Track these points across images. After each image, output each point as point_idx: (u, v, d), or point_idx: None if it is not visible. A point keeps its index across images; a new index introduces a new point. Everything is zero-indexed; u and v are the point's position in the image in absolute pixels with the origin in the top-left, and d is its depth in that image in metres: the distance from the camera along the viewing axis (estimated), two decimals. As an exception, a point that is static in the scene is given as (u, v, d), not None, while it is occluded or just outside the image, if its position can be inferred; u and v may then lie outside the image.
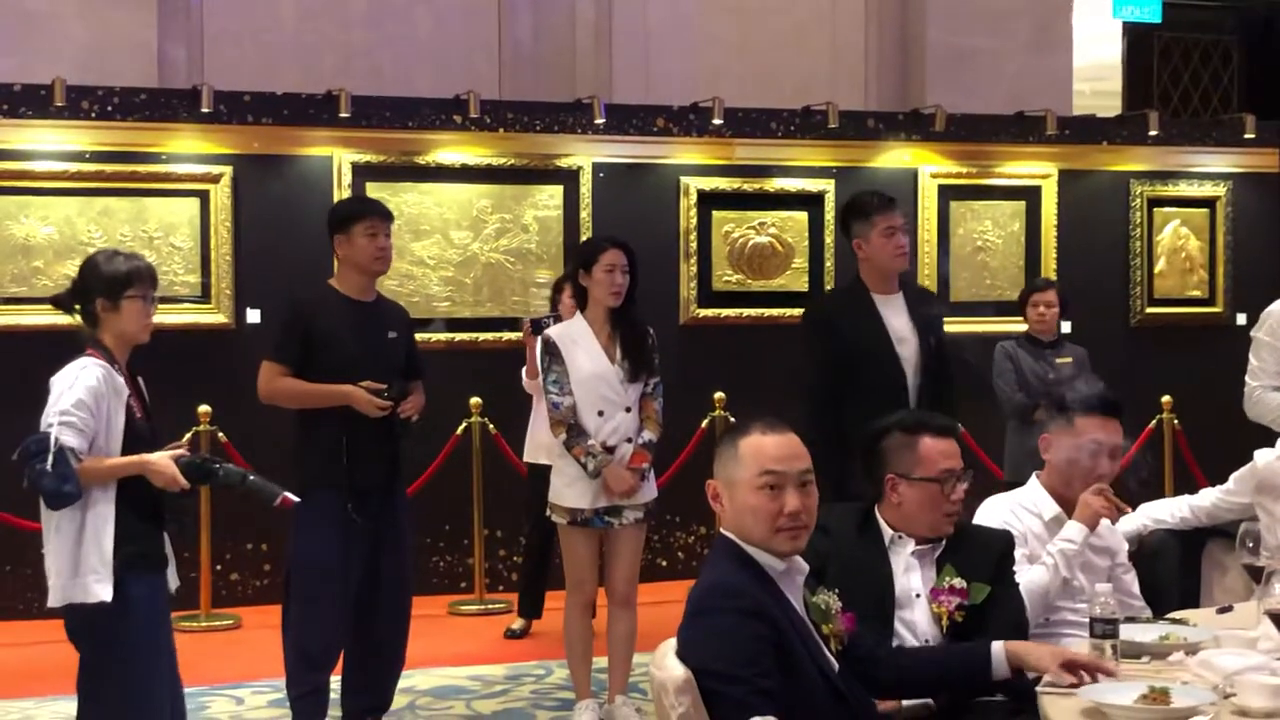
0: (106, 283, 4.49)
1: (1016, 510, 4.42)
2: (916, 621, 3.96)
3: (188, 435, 7.77)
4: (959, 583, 3.92)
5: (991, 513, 4.44)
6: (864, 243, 5.84)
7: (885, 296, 5.83)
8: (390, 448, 5.85)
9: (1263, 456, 4.93)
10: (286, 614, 5.84)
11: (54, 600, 4.39)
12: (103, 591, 4.31)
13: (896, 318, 5.79)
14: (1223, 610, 4.21)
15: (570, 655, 6.20)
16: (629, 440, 6.01)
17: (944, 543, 4.04)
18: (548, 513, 6.21)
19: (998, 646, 3.52)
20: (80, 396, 4.31)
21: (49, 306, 4.71)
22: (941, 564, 4.00)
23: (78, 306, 4.56)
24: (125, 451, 4.41)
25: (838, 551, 3.99)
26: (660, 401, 6.15)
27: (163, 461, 4.40)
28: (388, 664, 6.05)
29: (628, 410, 6.03)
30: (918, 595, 3.97)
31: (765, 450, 3.39)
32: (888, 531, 4.07)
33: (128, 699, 4.46)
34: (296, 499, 4.73)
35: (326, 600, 5.73)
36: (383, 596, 5.89)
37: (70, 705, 4.78)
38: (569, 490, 6.02)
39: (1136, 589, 4.47)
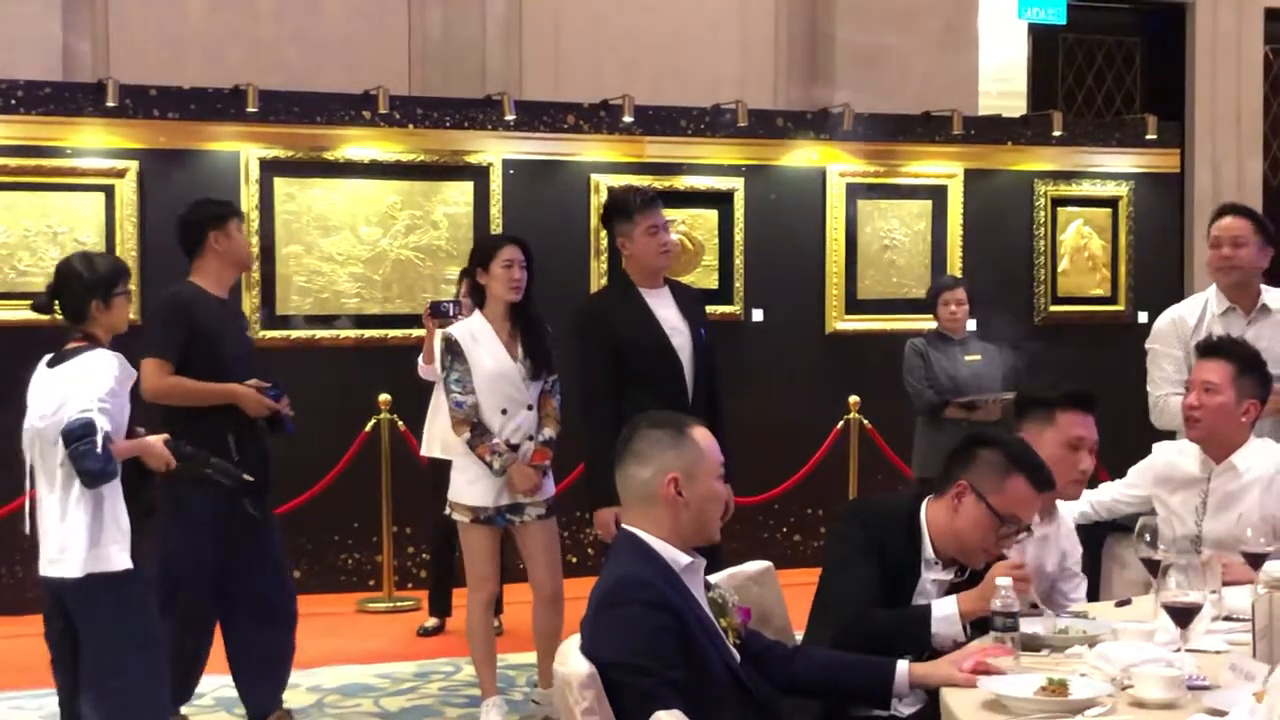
0: (100, 283, 4.93)
1: None
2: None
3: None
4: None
5: None
6: (628, 241, 5.93)
7: (652, 291, 5.93)
8: (265, 446, 5.94)
9: (1161, 451, 5.02)
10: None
11: (72, 570, 4.70)
12: (125, 560, 4.73)
13: (667, 310, 5.90)
14: (1121, 603, 4.28)
15: (474, 653, 6.21)
16: (530, 438, 6.05)
17: (967, 575, 3.97)
18: (446, 510, 6.20)
19: (902, 665, 3.54)
20: (111, 385, 4.74)
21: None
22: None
23: (57, 304, 4.99)
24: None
25: (885, 552, 3.95)
26: (559, 398, 6.20)
27: (159, 445, 4.91)
28: (272, 667, 6.06)
29: (529, 408, 6.07)
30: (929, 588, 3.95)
31: (715, 444, 3.55)
32: (928, 546, 3.99)
33: (149, 654, 4.89)
34: (252, 479, 5.21)
35: (199, 599, 5.78)
36: (262, 597, 5.94)
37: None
38: (471, 489, 6.04)
39: (1077, 595, 4.47)
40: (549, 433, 6.11)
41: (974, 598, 3.73)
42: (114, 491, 4.74)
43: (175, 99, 8.56)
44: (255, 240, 8.61)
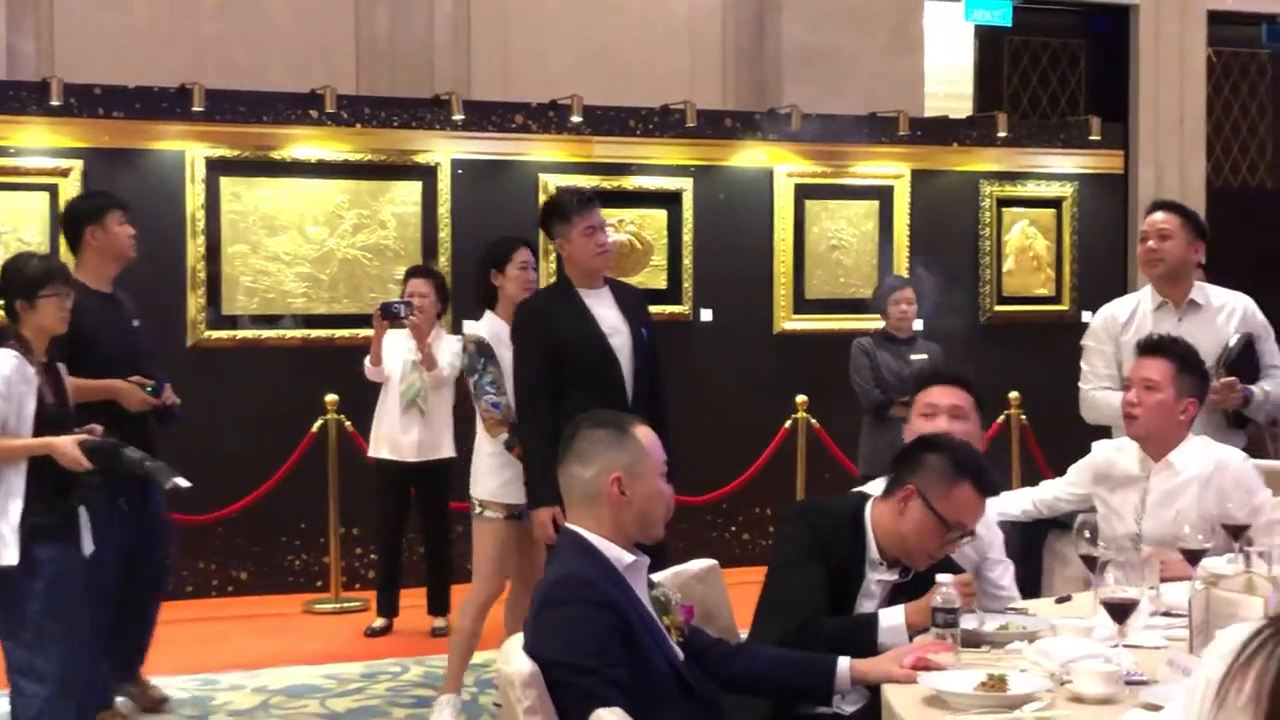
0: (23, 284, 5.04)
1: None
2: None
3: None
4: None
5: None
6: (566, 242, 5.94)
7: (592, 291, 5.93)
8: (152, 442, 5.98)
9: (1101, 449, 5.06)
10: None
11: None
12: (9, 556, 4.85)
13: (607, 310, 5.91)
14: (1061, 600, 4.32)
15: (459, 648, 6.20)
16: None
17: (911, 577, 3.98)
18: (478, 510, 6.19)
19: (843, 662, 3.55)
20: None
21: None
22: (897, 599, 3.95)
23: (1, 304, 5.17)
24: (37, 433, 4.93)
25: (830, 554, 3.96)
26: None
27: (65, 444, 4.90)
28: (123, 662, 6.28)
29: None
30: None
31: (658, 442, 3.55)
32: (873, 546, 4.00)
33: (45, 648, 4.96)
34: (189, 484, 5.17)
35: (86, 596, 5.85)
36: (135, 593, 6.12)
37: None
38: (508, 488, 6.06)
39: (1006, 580, 4.52)
40: None
41: (922, 610, 3.73)
42: (8, 490, 4.88)
43: (120, 98, 8.52)
44: (201, 240, 8.60)
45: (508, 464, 6.06)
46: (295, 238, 8.83)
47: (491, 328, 6.19)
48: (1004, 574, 4.49)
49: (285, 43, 9.93)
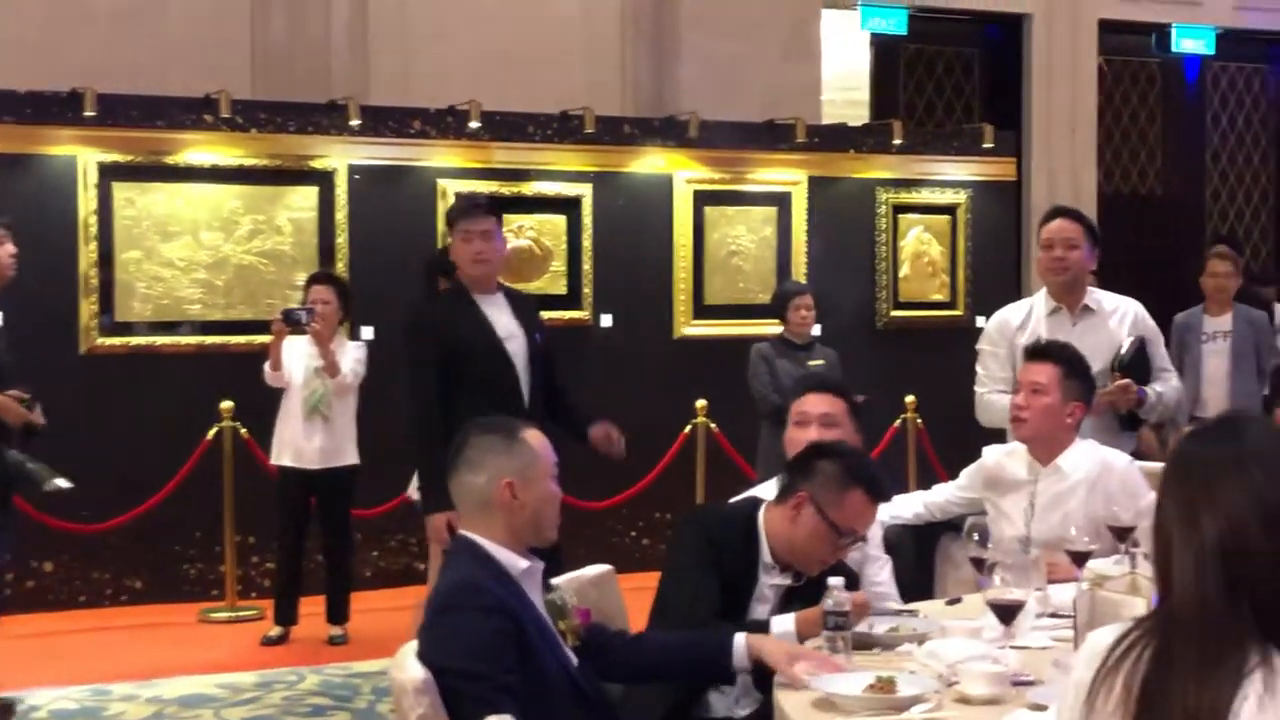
0: None
1: None
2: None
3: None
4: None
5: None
6: (453, 246, 6.02)
7: (486, 296, 5.95)
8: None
9: (990, 454, 5.13)
10: None
11: None
12: None
13: (500, 316, 5.93)
14: (952, 602, 4.37)
15: None
16: None
17: (804, 581, 4.00)
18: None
19: (740, 638, 3.58)
20: None
21: None
22: (791, 603, 3.98)
23: None
24: None
25: (723, 559, 3.97)
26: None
27: None
28: None
29: None
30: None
31: (548, 445, 3.57)
32: (766, 551, 4.02)
33: None
34: (70, 484, 5.26)
35: None
36: None
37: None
38: None
39: (883, 576, 4.58)
40: None
41: (812, 621, 3.75)
42: None
43: (10, 102, 8.40)
44: (94, 246, 8.49)
45: None
46: (190, 244, 8.74)
47: None
48: (881, 570, 4.54)
49: (180, 47, 9.83)
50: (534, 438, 3.55)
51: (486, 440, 3.51)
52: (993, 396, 5.83)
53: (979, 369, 5.98)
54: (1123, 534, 4.24)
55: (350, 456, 7.76)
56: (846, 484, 3.92)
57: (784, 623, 3.81)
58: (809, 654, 3.52)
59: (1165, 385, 5.86)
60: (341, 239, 9.01)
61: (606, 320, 9.67)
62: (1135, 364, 5.77)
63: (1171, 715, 2.05)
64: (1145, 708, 2.08)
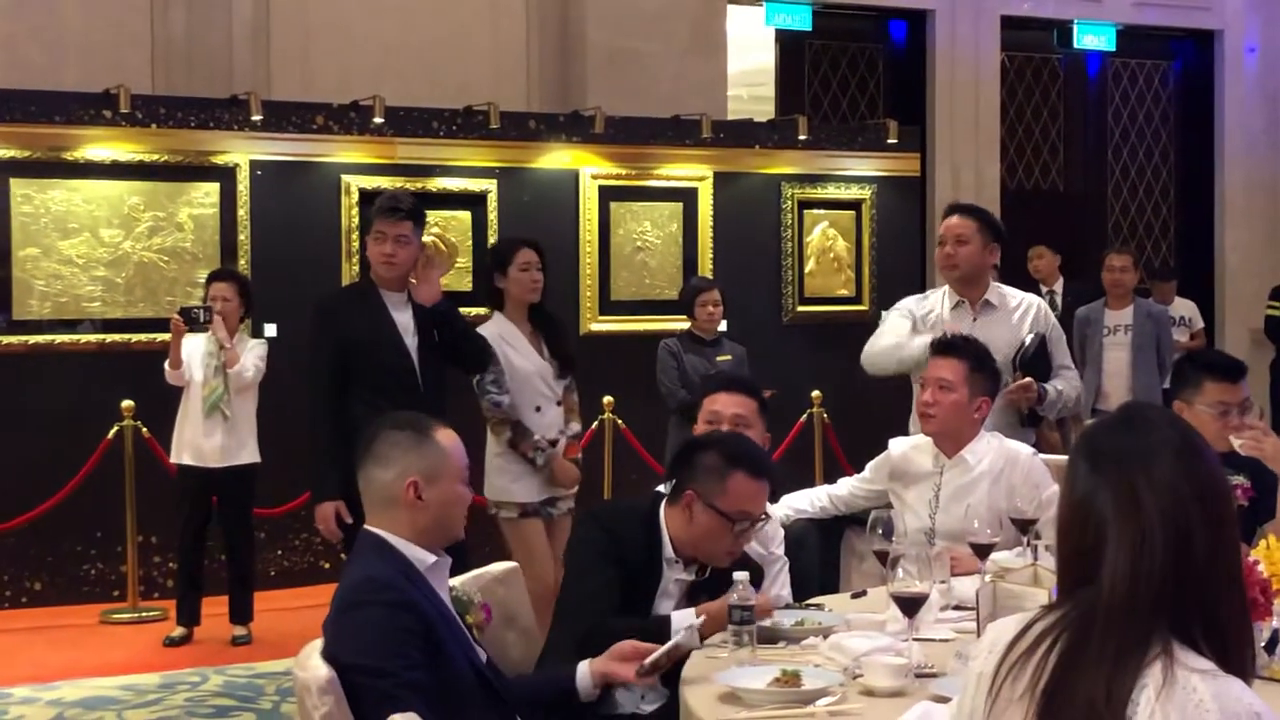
0: None
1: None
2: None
3: None
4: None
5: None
6: (368, 242, 6.10)
7: (392, 295, 6.00)
8: None
9: (896, 446, 5.16)
10: None
11: None
12: None
13: (402, 313, 5.97)
14: (857, 595, 4.40)
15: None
16: (561, 433, 6.34)
17: (709, 574, 4.01)
18: (492, 511, 6.25)
19: (583, 666, 3.53)
20: None
21: None
22: (696, 596, 3.98)
23: None
24: None
25: (626, 555, 3.96)
26: (577, 394, 6.54)
27: None
28: None
29: (558, 404, 6.36)
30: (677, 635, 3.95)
31: (460, 447, 3.53)
32: (668, 545, 4.01)
33: None
34: None
35: None
36: None
37: None
38: (517, 485, 6.23)
39: (785, 579, 4.63)
40: (576, 427, 6.45)
41: (717, 614, 3.74)
42: None
43: (-97, 96, 8.25)
44: (-10, 242, 8.35)
45: (515, 462, 6.22)
46: (89, 240, 8.61)
47: (499, 328, 6.32)
48: (780, 572, 4.56)
49: (78, 42, 9.69)
50: (445, 438, 3.51)
51: (396, 436, 3.47)
52: (877, 339, 5.94)
53: (880, 327, 6.06)
54: (1025, 526, 4.29)
55: (251, 455, 7.69)
56: (726, 470, 3.93)
57: (685, 617, 3.81)
58: (638, 648, 3.51)
59: (1065, 382, 5.93)
60: (244, 235, 8.91)
61: (513, 317, 9.61)
62: (1036, 360, 5.83)
63: (1075, 703, 2.07)
64: (1051, 697, 2.10)
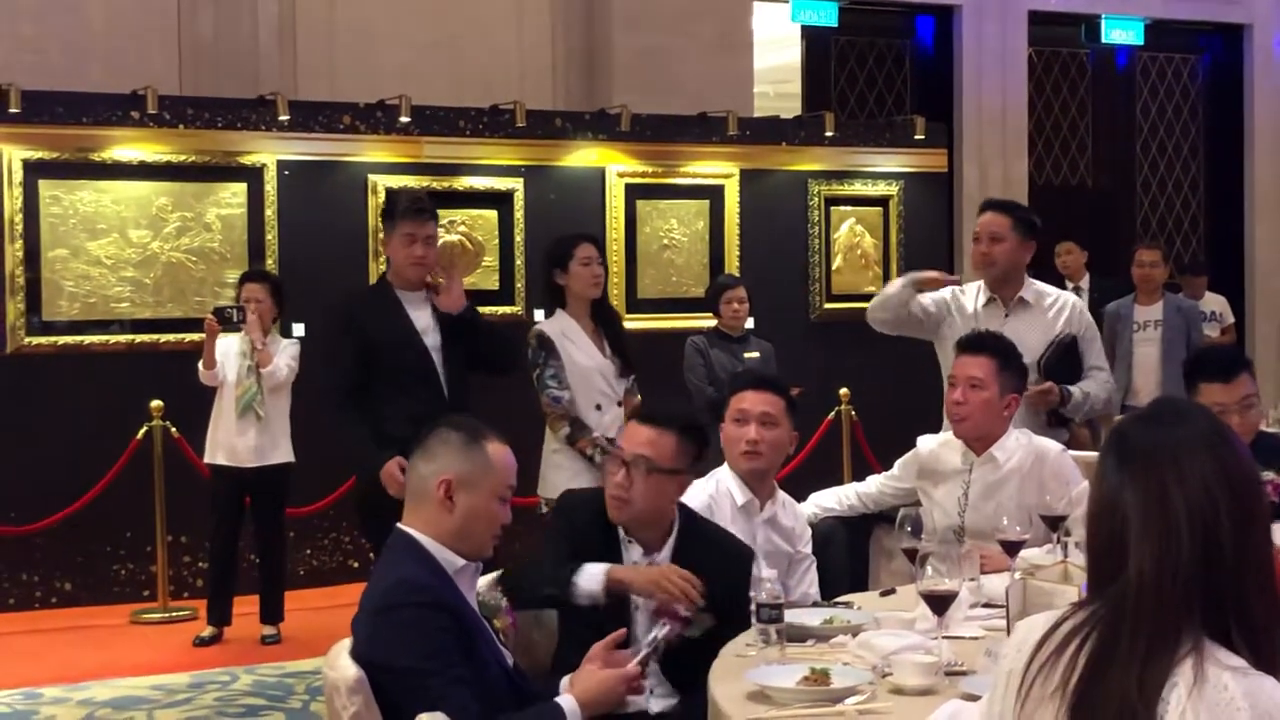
0: None
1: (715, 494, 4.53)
2: (636, 634, 3.88)
3: None
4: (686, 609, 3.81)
5: (687, 497, 4.55)
6: (388, 242, 6.04)
7: (409, 294, 5.98)
8: None
9: (924, 443, 5.14)
10: None
11: None
12: None
13: (420, 312, 5.95)
14: (886, 593, 4.38)
15: None
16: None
17: (672, 542, 4.01)
18: (543, 510, 6.12)
19: (568, 701, 3.41)
20: None
21: None
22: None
23: None
24: None
25: (581, 539, 3.98)
26: (639, 397, 6.35)
27: None
28: None
29: (619, 404, 6.24)
30: (636, 608, 3.93)
31: (510, 465, 3.48)
32: (620, 528, 4.03)
33: None
34: None
35: None
36: None
37: None
38: (574, 483, 5.97)
39: (812, 577, 4.63)
40: None
41: (632, 571, 3.83)
42: None
43: (-68, 99, 8.28)
44: (20, 244, 8.39)
45: (572, 459, 6.10)
46: (118, 241, 8.64)
47: (561, 325, 6.24)
48: (807, 571, 4.57)
49: (105, 43, 9.73)
50: (496, 450, 3.46)
51: (449, 435, 3.46)
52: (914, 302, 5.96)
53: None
54: (1055, 523, 4.26)
55: (285, 454, 7.70)
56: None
57: (594, 577, 3.83)
58: (626, 671, 3.45)
59: (1095, 384, 5.87)
60: (271, 235, 8.93)
61: (540, 315, 9.56)
62: (1062, 363, 5.78)
63: (1108, 701, 2.06)
64: (1083, 695, 2.09)
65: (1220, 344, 10.29)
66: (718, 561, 3.98)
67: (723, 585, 3.87)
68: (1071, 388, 5.75)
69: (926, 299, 5.99)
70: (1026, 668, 2.17)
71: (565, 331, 6.22)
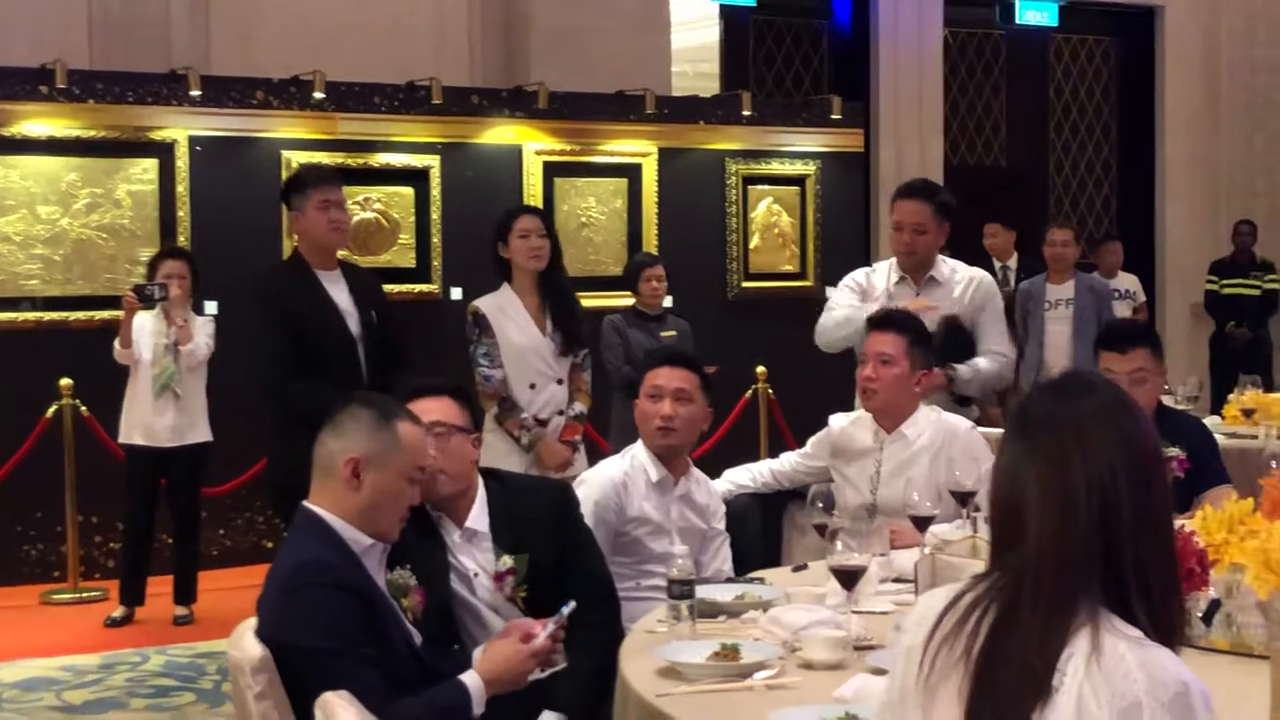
0: None
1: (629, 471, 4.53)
2: (480, 604, 3.90)
3: None
4: (506, 563, 3.86)
5: (600, 474, 4.56)
6: (300, 216, 5.83)
7: (326, 272, 5.81)
8: None
9: (836, 421, 5.16)
10: None
11: None
12: None
13: (339, 292, 5.79)
14: (798, 568, 4.40)
15: None
16: (560, 413, 6.08)
17: (482, 507, 3.97)
18: None
19: (472, 677, 3.39)
20: None
21: None
22: (494, 532, 3.93)
23: None
24: None
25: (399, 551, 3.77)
26: (589, 373, 6.27)
27: None
28: None
29: (559, 382, 6.11)
30: (476, 575, 3.92)
31: (420, 445, 3.48)
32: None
33: None
34: None
35: None
36: None
37: None
38: (502, 464, 5.88)
39: (726, 553, 4.65)
40: (579, 408, 6.18)
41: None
42: None
43: None
44: (-75, 220, 8.26)
45: (503, 439, 6.00)
46: (26, 218, 8.51)
47: (500, 300, 6.13)
48: (723, 544, 4.59)
49: (14, 17, 9.55)
50: (407, 430, 3.44)
51: (359, 411, 3.42)
52: (829, 314, 5.95)
53: (829, 303, 6.06)
54: (964, 499, 4.30)
55: (203, 434, 7.63)
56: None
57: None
58: (534, 645, 3.43)
59: (985, 359, 5.88)
60: (183, 212, 8.84)
61: (456, 293, 9.56)
62: (946, 346, 5.79)
63: (1009, 666, 2.08)
64: (986, 661, 2.10)
65: (1132, 320, 10.41)
66: (533, 504, 4.00)
67: (549, 523, 3.95)
68: (959, 365, 5.76)
69: (850, 297, 6.01)
70: (928, 642, 2.18)
71: (504, 307, 6.12)
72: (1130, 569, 2.10)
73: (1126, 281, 11.45)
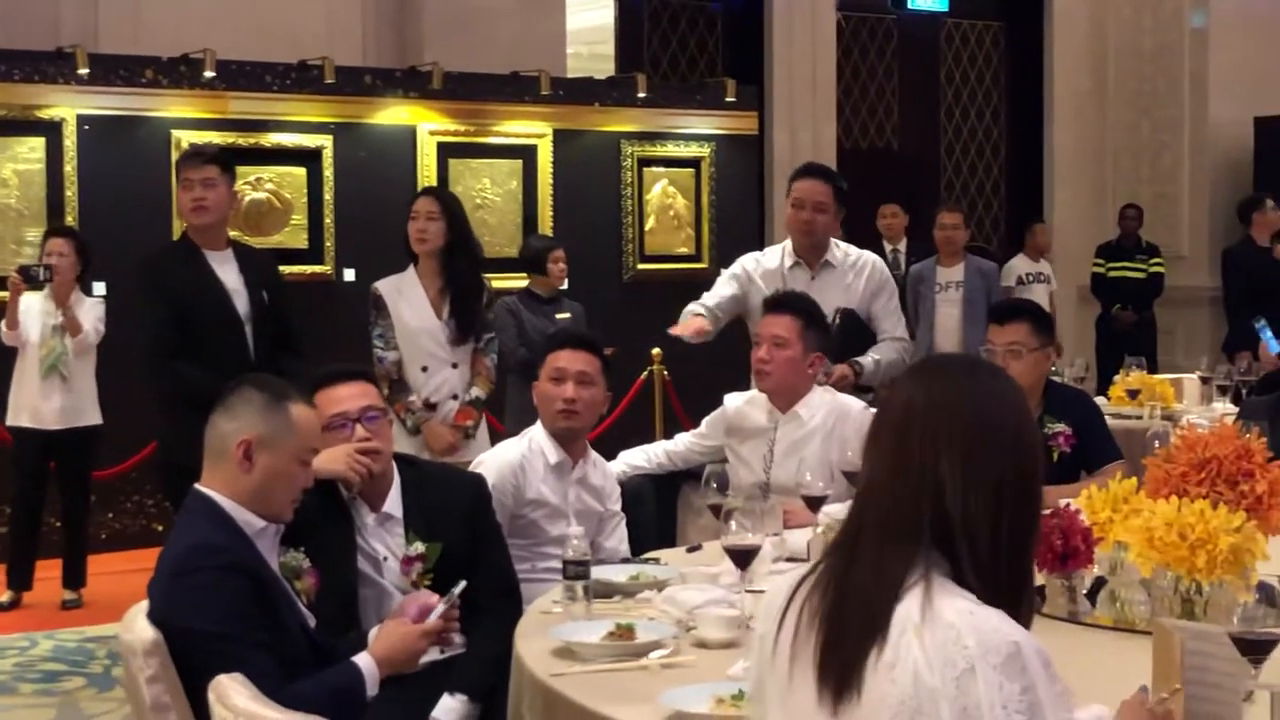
0: None
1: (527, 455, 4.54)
2: (389, 585, 3.90)
3: None
4: (417, 548, 3.87)
5: (497, 456, 4.55)
6: (178, 195, 5.82)
7: (215, 253, 5.71)
8: None
9: (731, 401, 5.20)
10: None
11: None
12: None
13: (228, 274, 5.70)
14: (693, 549, 4.43)
15: None
16: (454, 397, 6.05)
17: (396, 494, 3.98)
18: None
19: (365, 659, 3.39)
20: None
21: None
22: (407, 517, 3.95)
23: None
24: None
25: (311, 532, 3.80)
26: (493, 358, 6.24)
27: None
28: None
29: (454, 366, 6.07)
30: (386, 559, 3.92)
31: (313, 427, 3.46)
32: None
33: None
34: None
35: None
36: None
37: None
38: (397, 446, 5.80)
39: (622, 534, 4.67)
40: (477, 392, 6.13)
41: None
42: None
43: None
44: None
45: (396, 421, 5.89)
46: (-91, 197, 8.36)
47: (399, 282, 6.14)
48: (619, 525, 4.62)
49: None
50: (300, 412, 3.42)
51: (251, 394, 3.40)
52: (692, 305, 6.04)
53: (706, 293, 6.08)
54: (856, 478, 4.33)
55: (92, 416, 7.54)
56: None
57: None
58: (427, 624, 3.44)
59: (885, 348, 5.93)
60: (71, 192, 8.72)
61: (349, 275, 9.51)
62: (845, 339, 5.82)
63: (852, 607, 2.14)
64: (834, 613, 2.15)
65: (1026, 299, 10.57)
66: (448, 495, 4.02)
67: (463, 515, 3.97)
68: (862, 359, 5.81)
69: (726, 287, 6.06)
70: (779, 627, 2.22)
71: (401, 289, 6.12)
72: (959, 524, 2.15)
73: (1044, 266, 11.69)
